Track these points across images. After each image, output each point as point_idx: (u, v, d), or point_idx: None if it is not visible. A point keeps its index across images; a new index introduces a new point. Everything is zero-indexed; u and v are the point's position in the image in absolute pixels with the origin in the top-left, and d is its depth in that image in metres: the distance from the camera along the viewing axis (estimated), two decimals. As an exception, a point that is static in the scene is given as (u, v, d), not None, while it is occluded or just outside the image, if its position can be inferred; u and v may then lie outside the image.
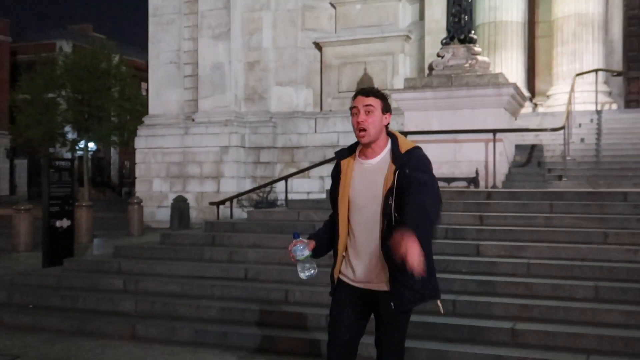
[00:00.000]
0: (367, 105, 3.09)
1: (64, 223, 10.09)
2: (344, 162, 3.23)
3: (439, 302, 3.23)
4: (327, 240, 3.32)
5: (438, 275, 3.28)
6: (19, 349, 5.88)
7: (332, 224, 3.32)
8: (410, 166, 3.02)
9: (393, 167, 3.05)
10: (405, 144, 3.13)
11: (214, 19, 17.63)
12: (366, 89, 3.18)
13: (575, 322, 5.62)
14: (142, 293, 7.29)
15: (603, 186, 10.62)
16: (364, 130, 3.06)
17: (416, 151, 3.10)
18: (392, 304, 3.05)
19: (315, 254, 3.25)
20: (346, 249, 3.23)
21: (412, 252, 2.63)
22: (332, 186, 3.29)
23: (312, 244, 3.24)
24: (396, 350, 3.19)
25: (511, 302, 5.99)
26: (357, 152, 3.21)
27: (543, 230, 7.62)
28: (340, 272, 3.25)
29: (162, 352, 5.74)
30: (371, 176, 3.12)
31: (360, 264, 3.15)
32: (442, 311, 3.37)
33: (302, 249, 3.18)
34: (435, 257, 3.29)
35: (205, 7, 17.74)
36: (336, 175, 3.25)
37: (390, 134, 3.19)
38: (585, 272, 6.47)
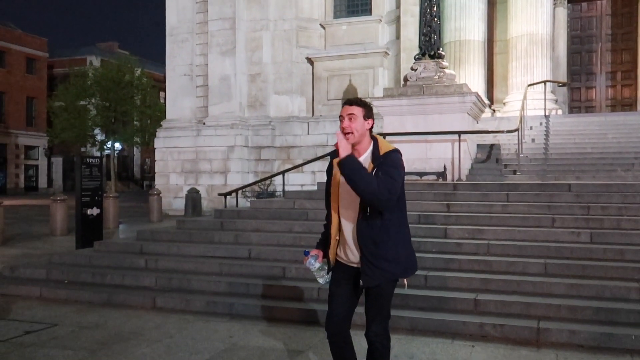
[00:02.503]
0: (350, 114, 3.11)
1: (94, 211, 10.03)
2: (335, 161, 3.22)
3: (405, 280, 3.22)
4: (329, 242, 3.34)
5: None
6: (56, 318, 5.85)
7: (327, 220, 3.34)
8: (386, 164, 3.04)
9: (372, 166, 3.06)
10: (384, 146, 3.14)
11: (222, 38, 17.54)
12: (350, 100, 3.20)
13: (528, 293, 5.64)
14: (161, 270, 7.26)
15: (551, 179, 10.65)
16: (349, 133, 3.09)
17: (392, 154, 3.11)
18: (360, 281, 3.13)
19: (325, 255, 3.32)
20: (338, 235, 3.24)
21: (339, 143, 2.96)
22: (327, 182, 3.31)
23: (320, 253, 3.30)
24: (382, 317, 3.22)
25: (474, 277, 6.00)
26: None
27: (500, 216, 7.63)
28: (336, 254, 3.28)
29: (179, 320, 5.72)
30: None
31: (348, 248, 3.20)
32: (405, 287, 3.38)
33: (314, 262, 3.26)
34: (410, 237, 3.30)
35: (214, 27, 17.65)
36: (329, 172, 3.27)
37: (373, 137, 3.19)
38: (536, 251, 6.49)
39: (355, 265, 3.19)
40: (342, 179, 3.15)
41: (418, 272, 6.00)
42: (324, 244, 3.34)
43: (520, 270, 6.11)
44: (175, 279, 6.81)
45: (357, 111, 3.11)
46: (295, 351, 4.72)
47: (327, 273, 3.30)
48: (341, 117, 3.14)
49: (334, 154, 3.26)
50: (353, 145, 3.14)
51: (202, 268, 7.14)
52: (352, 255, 3.19)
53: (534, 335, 4.90)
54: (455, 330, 5.11)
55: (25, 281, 7.30)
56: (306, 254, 3.30)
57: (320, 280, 3.30)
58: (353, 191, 3.03)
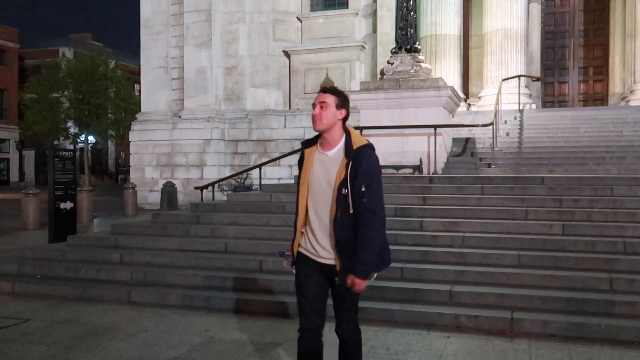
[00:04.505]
0: (322, 102, 3.04)
1: (68, 205, 9.88)
2: (307, 151, 3.15)
3: (374, 274, 3.11)
4: None
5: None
6: (29, 313, 5.76)
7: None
8: (362, 172, 2.94)
9: (345, 160, 2.97)
10: (357, 140, 3.05)
11: (197, 30, 17.38)
12: (325, 88, 3.12)
13: (502, 284, 5.72)
14: (136, 264, 7.19)
15: (524, 172, 10.81)
16: (318, 120, 3.02)
17: (366, 151, 3.00)
18: (336, 279, 3.02)
19: None
20: (305, 226, 3.14)
21: (358, 290, 3.00)
22: (298, 174, 3.22)
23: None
24: (352, 313, 3.15)
25: (449, 269, 6.07)
26: (318, 143, 3.14)
27: (475, 209, 7.72)
28: (300, 245, 3.16)
29: (155, 314, 5.68)
30: (327, 166, 3.04)
31: (316, 242, 3.08)
32: (373, 278, 3.22)
33: (291, 262, 3.22)
34: (386, 232, 3.24)
35: (189, 19, 17.47)
36: (300, 162, 3.19)
37: (346, 130, 3.10)
38: (509, 243, 6.59)
39: (323, 261, 3.07)
40: (313, 171, 3.08)
41: (394, 265, 6.07)
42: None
43: (494, 262, 6.19)
44: (150, 273, 6.75)
45: (330, 100, 3.03)
46: (272, 344, 4.73)
47: None
48: (313, 105, 3.07)
49: (306, 143, 3.20)
50: (322, 134, 3.06)
51: (178, 262, 7.09)
52: (321, 249, 3.07)
53: (508, 326, 4.97)
54: (431, 322, 5.16)
55: (-3, 276, 7.17)
56: (282, 254, 3.23)
57: None
58: (327, 187, 3.00)
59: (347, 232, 2.97)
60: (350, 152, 2.99)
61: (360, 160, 2.96)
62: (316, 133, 3.15)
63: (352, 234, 2.97)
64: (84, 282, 6.74)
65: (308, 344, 3.13)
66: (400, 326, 5.14)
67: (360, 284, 2.97)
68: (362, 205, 2.94)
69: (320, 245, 3.06)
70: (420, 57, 12.09)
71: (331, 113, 3.02)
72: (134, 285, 6.53)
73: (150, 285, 6.50)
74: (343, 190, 2.95)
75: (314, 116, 3.04)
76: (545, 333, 4.86)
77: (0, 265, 7.49)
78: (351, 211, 2.95)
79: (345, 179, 2.94)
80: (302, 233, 3.15)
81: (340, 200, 2.95)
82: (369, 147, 3.04)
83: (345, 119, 3.09)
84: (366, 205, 2.94)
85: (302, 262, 3.15)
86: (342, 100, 3.07)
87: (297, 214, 3.16)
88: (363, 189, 2.93)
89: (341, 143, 3.06)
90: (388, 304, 5.44)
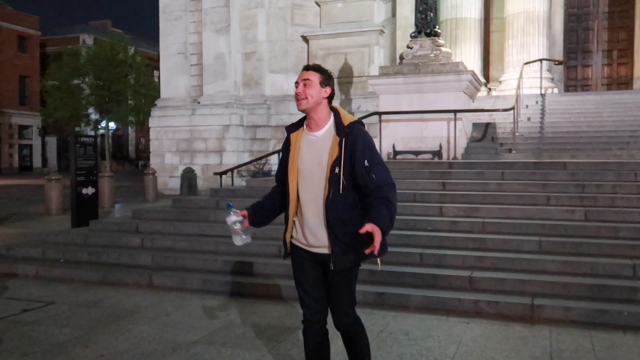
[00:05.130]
0: (305, 79, 2.92)
1: (89, 190, 10.02)
2: (293, 135, 3.03)
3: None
4: (262, 211, 3.19)
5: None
6: (53, 297, 5.87)
7: (271, 197, 3.17)
8: (359, 147, 2.84)
9: (337, 138, 2.86)
10: (347, 117, 2.95)
11: (216, 16, 17.36)
12: (307, 65, 3.01)
13: (522, 270, 5.68)
14: (157, 249, 7.28)
15: (546, 157, 10.66)
16: (303, 99, 2.91)
17: (358, 127, 2.90)
18: (331, 265, 2.88)
19: (252, 222, 3.18)
20: (296, 215, 3.01)
21: (377, 242, 2.67)
22: (282, 158, 3.07)
23: (245, 213, 3.16)
24: (350, 305, 3.04)
25: (468, 255, 6.03)
26: (305, 126, 3.01)
27: (495, 194, 7.65)
28: (292, 236, 3.05)
29: (175, 298, 5.75)
30: (317, 147, 2.92)
31: (308, 230, 2.95)
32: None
33: (231, 217, 3.12)
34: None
35: (208, 5, 17.45)
36: (286, 147, 3.04)
37: (333, 109, 2.97)
38: (530, 229, 6.53)
39: (315, 250, 2.96)
40: (301, 154, 2.96)
41: (413, 250, 6.07)
42: (253, 208, 3.19)
43: (515, 248, 6.14)
44: (171, 257, 6.83)
45: (314, 77, 2.91)
46: (291, 328, 4.75)
47: (245, 238, 3.10)
48: (296, 83, 2.95)
49: (290, 127, 3.09)
50: (308, 114, 2.96)
51: (198, 246, 7.16)
52: (312, 237, 2.94)
53: (528, 312, 4.94)
54: (450, 307, 5.15)
55: (21, 260, 7.31)
56: (230, 206, 3.15)
57: (236, 241, 3.11)
58: (318, 169, 2.89)
59: (338, 212, 2.84)
60: (342, 129, 2.88)
61: (355, 136, 2.86)
62: (301, 117, 3.05)
63: (341, 215, 2.85)
64: (106, 267, 6.85)
65: (313, 334, 3.08)
66: (419, 312, 5.13)
67: (380, 234, 2.68)
68: (372, 180, 2.83)
69: (311, 233, 2.94)
70: (440, 41, 11.95)
71: (315, 90, 2.91)
72: (155, 270, 6.61)
73: (171, 270, 6.57)
74: (336, 169, 2.83)
75: (297, 94, 2.93)
76: (567, 319, 4.82)
77: (25, 249, 7.63)
78: (341, 191, 2.83)
79: (338, 157, 2.84)
80: (294, 222, 3.04)
81: (332, 180, 2.84)
82: (360, 123, 2.96)
83: (330, 98, 2.98)
84: (376, 179, 2.84)
85: (296, 254, 3.07)
86: (326, 78, 2.95)
87: (288, 202, 3.01)
88: (367, 164, 2.83)
89: (330, 122, 2.95)
90: (407, 290, 5.44)
